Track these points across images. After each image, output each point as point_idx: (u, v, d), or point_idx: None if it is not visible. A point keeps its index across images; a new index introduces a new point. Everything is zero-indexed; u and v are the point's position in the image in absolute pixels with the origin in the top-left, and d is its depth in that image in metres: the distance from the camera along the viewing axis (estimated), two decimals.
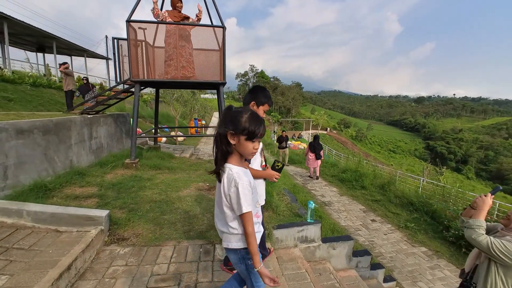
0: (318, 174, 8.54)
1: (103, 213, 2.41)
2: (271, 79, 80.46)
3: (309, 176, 8.74)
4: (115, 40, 5.63)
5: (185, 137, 12.78)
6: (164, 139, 10.31)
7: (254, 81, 79.18)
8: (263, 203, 1.91)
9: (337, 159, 17.52)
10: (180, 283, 1.92)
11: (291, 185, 5.98)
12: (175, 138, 11.47)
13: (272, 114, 41.79)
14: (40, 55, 15.81)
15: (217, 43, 5.23)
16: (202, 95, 18.66)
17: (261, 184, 1.87)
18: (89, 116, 4.95)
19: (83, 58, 16.67)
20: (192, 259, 2.20)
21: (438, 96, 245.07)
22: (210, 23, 5.56)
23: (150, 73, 5.22)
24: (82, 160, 4.50)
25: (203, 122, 19.73)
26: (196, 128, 14.27)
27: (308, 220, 2.70)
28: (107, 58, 18.57)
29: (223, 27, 5.07)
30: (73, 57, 16.86)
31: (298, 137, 40.19)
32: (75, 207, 2.67)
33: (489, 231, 1.68)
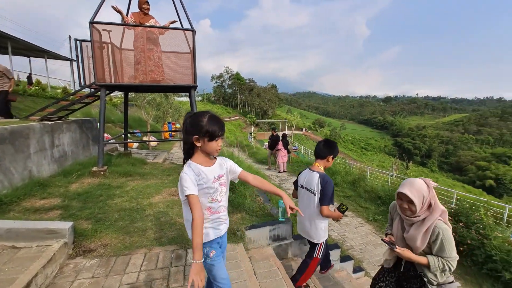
0: (285, 169, 9.58)
1: (67, 225, 2.30)
2: (247, 81, 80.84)
3: (279, 171, 9.49)
4: (78, 42, 5.36)
5: (158, 142, 12.42)
6: (135, 144, 9.93)
7: (230, 82, 78.99)
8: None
9: (312, 158, 18.06)
10: None
11: None
12: (147, 143, 11.11)
13: (248, 116, 42.02)
14: None
15: (188, 46, 5.20)
16: (176, 98, 18.23)
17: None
18: (49, 122, 4.64)
19: (44, 59, 15.47)
20: (163, 266, 2.18)
21: (403, 96, 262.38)
22: (180, 26, 5.50)
23: (118, 76, 5.04)
24: (43, 170, 4.21)
25: (178, 125, 19.29)
26: (170, 132, 13.91)
27: (280, 219, 2.80)
28: (71, 60, 17.42)
29: (193, 30, 5.05)
30: (32, 58, 15.60)
31: None
32: (35, 220, 2.51)
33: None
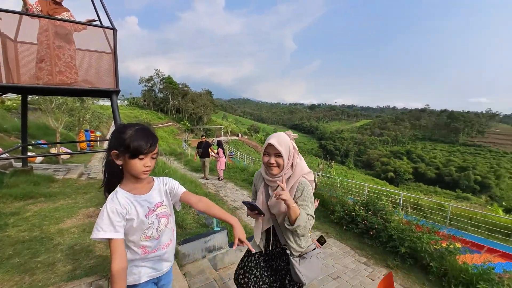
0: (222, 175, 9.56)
1: None
2: (180, 86, 77.51)
3: (218, 178, 9.37)
4: None
5: (70, 154, 10.60)
6: (39, 158, 8.21)
7: (161, 86, 74.18)
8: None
9: (248, 163, 18.55)
10: None
11: (203, 195, 5.92)
12: (57, 156, 9.34)
13: (182, 122, 40.33)
14: None
15: (109, 46, 4.65)
16: (95, 102, 15.92)
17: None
18: None
19: None
20: None
21: (325, 103, 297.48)
22: (99, 23, 4.87)
23: (12, 75, 4.07)
24: None
25: (98, 133, 16.91)
26: (87, 142, 12.05)
27: (215, 229, 2.76)
28: None
29: (113, 29, 4.56)
30: None
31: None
32: None
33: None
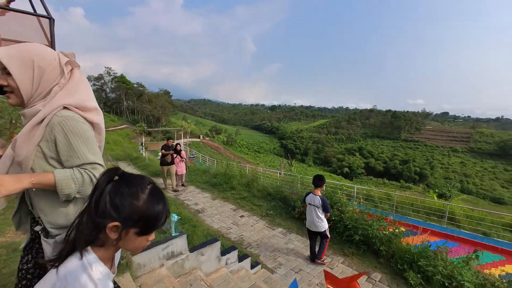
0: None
1: None
2: (135, 85, 72.59)
3: (182, 185, 8.49)
4: None
5: None
6: None
7: (113, 86, 68.47)
8: None
9: (211, 165, 18.20)
10: None
11: None
12: None
13: (137, 124, 37.76)
14: None
15: (45, 37, 4.08)
16: None
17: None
18: None
19: None
20: None
21: (285, 104, 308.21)
22: (31, 10, 4.24)
23: None
24: None
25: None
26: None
27: (173, 234, 2.62)
28: None
29: (50, 18, 4.01)
30: None
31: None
32: None
33: None
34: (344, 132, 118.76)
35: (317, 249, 4.23)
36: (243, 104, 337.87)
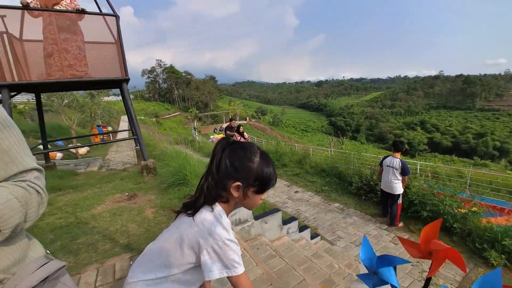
0: None
1: None
2: (183, 74, 76.92)
3: None
4: None
5: (88, 149, 10.93)
6: (59, 154, 8.52)
7: (164, 77, 73.85)
8: None
9: (260, 145, 18.64)
10: None
11: None
12: (75, 152, 9.68)
13: (189, 111, 40.37)
14: None
15: (112, 35, 4.60)
16: (105, 98, 16.08)
17: None
18: None
19: None
20: (122, 275, 1.97)
21: (332, 79, 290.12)
22: (98, 11, 4.79)
23: (23, 74, 4.13)
24: None
25: (110, 128, 17.29)
26: (101, 136, 12.37)
27: None
28: None
29: (116, 15, 4.49)
30: None
31: (220, 130, 40.51)
32: None
33: None
34: (402, 104, 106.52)
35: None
36: (287, 82, 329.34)
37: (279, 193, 6.18)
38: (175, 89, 72.89)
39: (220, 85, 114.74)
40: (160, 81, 75.00)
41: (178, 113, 59.94)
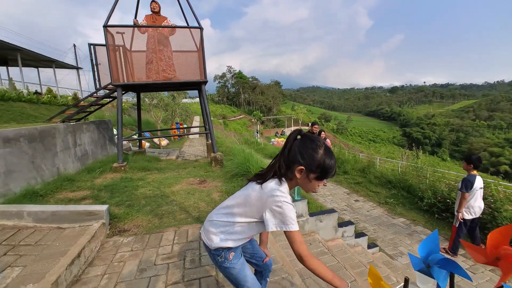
0: None
1: (103, 207, 2.53)
2: (250, 79, 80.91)
3: None
4: (92, 46, 5.62)
5: (168, 142, 12.75)
6: (147, 144, 10.27)
7: (233, 82, 79.22)
8: None
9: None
10: (185, 258, 2.11)
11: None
12: (158, 142, 11.44)
13: (254, 113, 42.26)
14: (2, 68, 14.75)
15: (195, 44, 5.40)
16: (183, 100, 18.57)
17: None
18: (71, 123, 4.92)
19: (52, 69, 15.82)
20: (193, 239, 2.38)
21: (410, 84, 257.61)
22: (186, 25, 5.71)
23: (130, 77, 5.28)
24: (68, 167, 4.49)
25: (185, 125, 19.74)
26: (179, 132, 14.32)
27: (295, 198, 2.97)
28: (77, 68, 17.89)
29: (200, 28, 5.25)
30: (40, 68, 16.03)
31: (281, 134, 41.09)
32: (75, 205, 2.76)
33: None
34: (505, 116, 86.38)
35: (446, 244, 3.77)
36: (355, 88, 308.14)
37: (338, 199, 5.99)
38: (241, 93, 77.39)
39: (284, 90, 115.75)
40: (229, 85, 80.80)
41: (243, 116, 63.38)
